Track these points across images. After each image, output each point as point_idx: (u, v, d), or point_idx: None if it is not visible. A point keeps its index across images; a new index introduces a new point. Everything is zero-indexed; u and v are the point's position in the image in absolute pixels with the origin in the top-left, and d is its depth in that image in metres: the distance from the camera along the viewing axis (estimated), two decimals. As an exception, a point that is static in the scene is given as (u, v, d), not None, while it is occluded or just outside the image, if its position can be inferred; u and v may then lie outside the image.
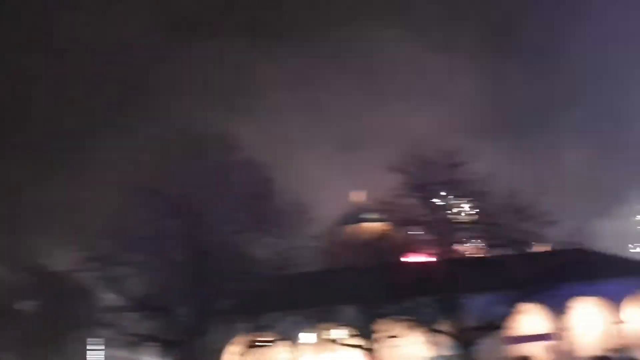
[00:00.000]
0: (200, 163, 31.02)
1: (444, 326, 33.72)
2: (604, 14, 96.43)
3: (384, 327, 34.95)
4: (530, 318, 39.40)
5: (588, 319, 41.99)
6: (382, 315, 34.04)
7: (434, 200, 33.57)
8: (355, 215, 46.75)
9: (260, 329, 33.33)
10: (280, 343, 35.72)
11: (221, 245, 30.27)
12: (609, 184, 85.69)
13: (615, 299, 40.29)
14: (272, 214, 31.27)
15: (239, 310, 31.15)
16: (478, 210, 33.99)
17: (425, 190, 33.19)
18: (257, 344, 33.90)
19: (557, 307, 39.33)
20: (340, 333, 36.02)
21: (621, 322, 40.78)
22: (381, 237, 34.83)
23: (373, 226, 37.09)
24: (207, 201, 30.50)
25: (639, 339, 42.04)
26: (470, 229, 34.04)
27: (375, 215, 36.23)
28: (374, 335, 34.76)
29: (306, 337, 38.11)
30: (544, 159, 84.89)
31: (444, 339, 34.29)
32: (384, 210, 34.36)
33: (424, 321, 33.78)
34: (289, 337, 36.70)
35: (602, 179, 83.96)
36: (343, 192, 61.30)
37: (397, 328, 35.19)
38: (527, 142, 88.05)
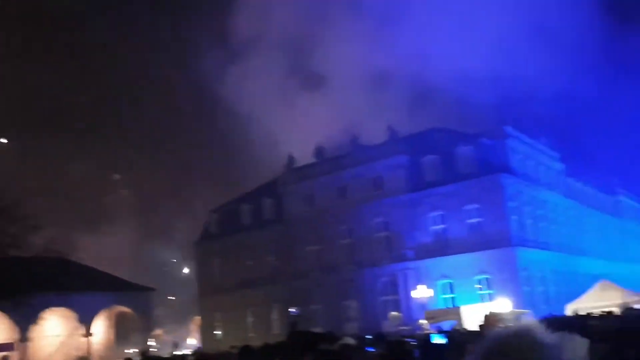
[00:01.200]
0: None
1: None
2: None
3: None
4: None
5: (59, 329, 42.27)
6: None
7: None
8: None
9: None
10: None
11: None
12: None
13: (87, 311, 41.66)
14: None
15: None
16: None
17: None
18: None
19: (28, 317, 38.13)
20: None
21: (91, 334, 42.37)
22: None
23: None
24: None
25: (102, 350, 44.49)
26: None
27: None
28: None
29: None
30: (52, 163, 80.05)
31: None
32: None
33: None
34: None
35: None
36: None
37: None
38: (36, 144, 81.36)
